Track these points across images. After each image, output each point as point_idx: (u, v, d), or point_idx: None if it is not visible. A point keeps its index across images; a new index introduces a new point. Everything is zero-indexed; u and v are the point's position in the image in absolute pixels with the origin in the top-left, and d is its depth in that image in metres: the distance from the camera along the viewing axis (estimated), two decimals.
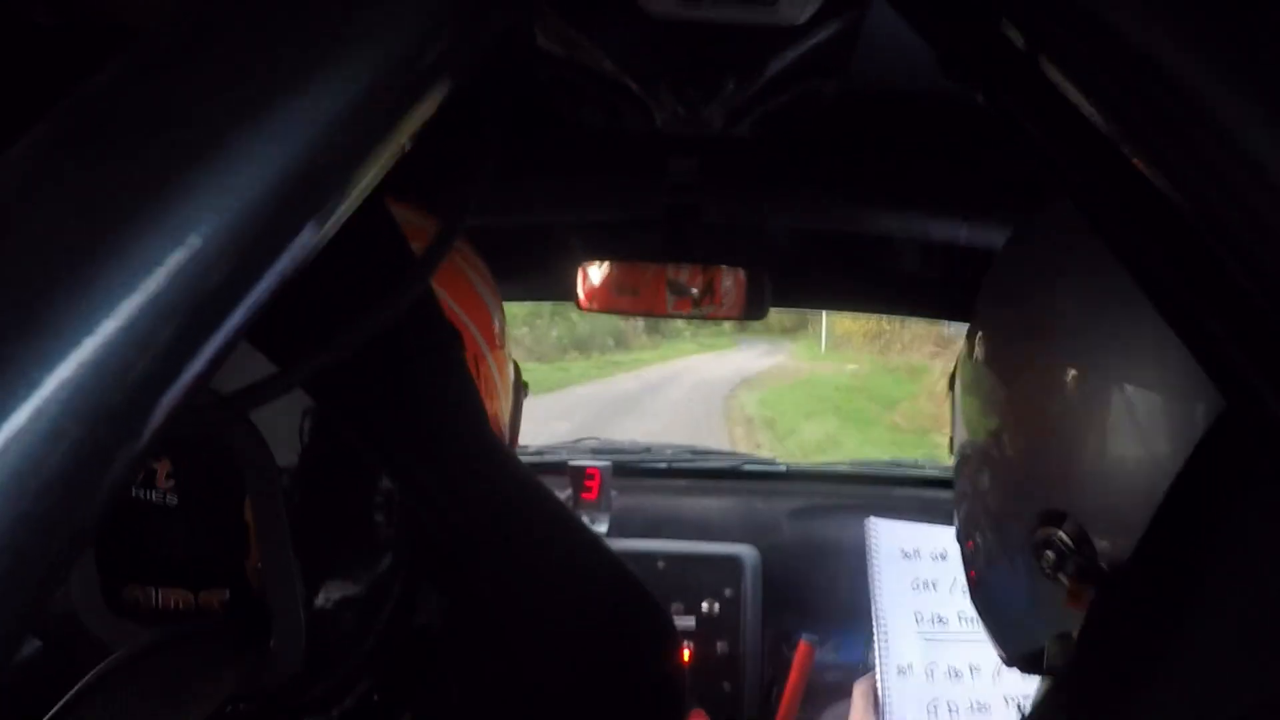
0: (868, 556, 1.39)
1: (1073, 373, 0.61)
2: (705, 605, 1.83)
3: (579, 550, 0.80)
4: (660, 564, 1.83)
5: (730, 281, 1.26)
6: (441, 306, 0.78)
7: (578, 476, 1.80)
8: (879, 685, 1.30)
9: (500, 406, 0.89)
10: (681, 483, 2.11)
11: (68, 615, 0.68)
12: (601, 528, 1.78)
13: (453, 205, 0.50)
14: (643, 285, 1.28)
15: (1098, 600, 0.58)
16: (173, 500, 0.68)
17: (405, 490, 0.74)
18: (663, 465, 2.17)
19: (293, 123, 0.29)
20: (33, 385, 0.24)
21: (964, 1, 0.41)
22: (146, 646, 0.65)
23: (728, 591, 1.84)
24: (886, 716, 1.27)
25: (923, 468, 2.24)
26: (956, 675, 1.30)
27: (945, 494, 2.02)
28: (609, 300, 1.30)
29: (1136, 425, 0.58)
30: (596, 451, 2.19)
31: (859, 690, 1.32)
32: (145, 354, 0.25)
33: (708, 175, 1.04)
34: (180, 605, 0.70)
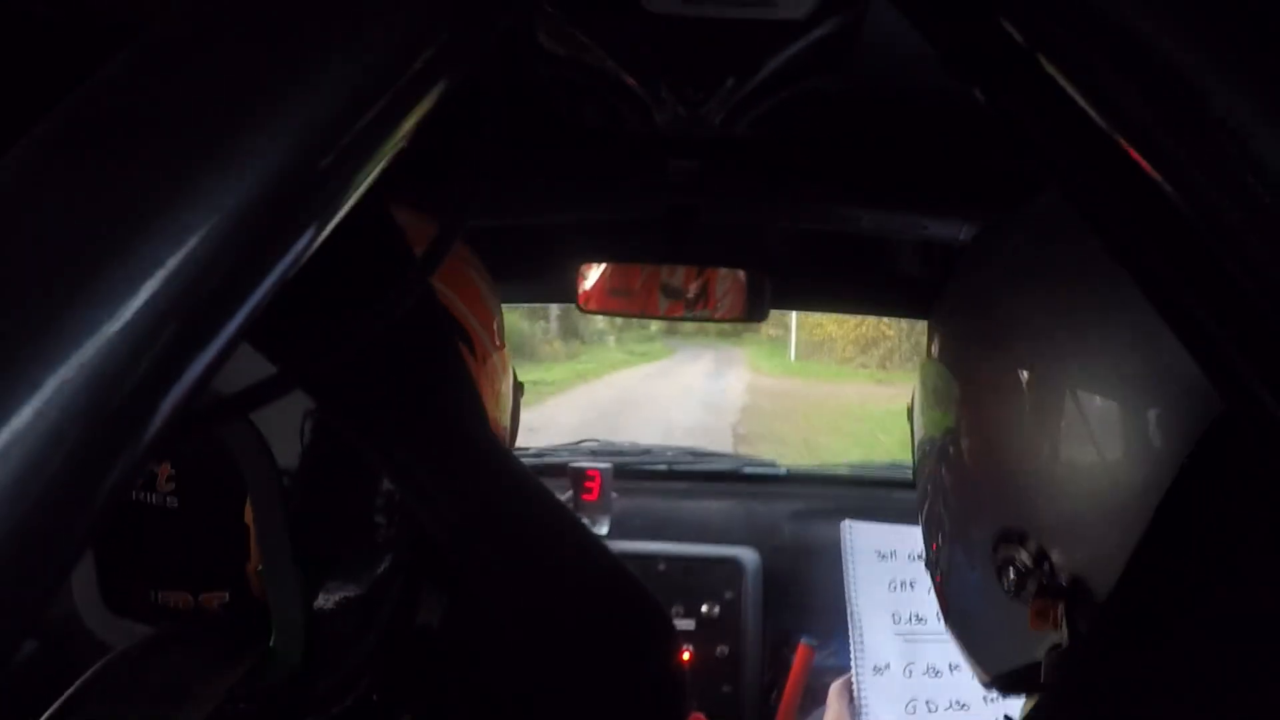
0: (843, 558, 1.39)
1: (1028, 385, 0.60)
2: (705, 607, 1.83)
3: (579, 551, 0.80)
4: (660, 566, 1.83)
5: (728, 283, 1.26)
6: (446, 307, 0.78)
7: (578, 478, 1.80)
8: (854, 685, 1.30)
9: (501, 407, 0.89)
10: (682, 485, 2.11)
11: (67, 615, 0.68)
12: (602, 529, 1.78)
13: (453, 205, 0.50)
14: (639, 286, 1.28)
15: (1094, 612, 0.58)
16: (173, 503, 0.68)
17: (405, 491, 0.74)
18: (663, 467, 2.17)
19: (291, 122, 0.29)
20: (34, 387, 0.24)
21: None
22: (145, 644, 0.65)
23: (728, 594, 1.84)
24: (863, 716, 1.28)
25: None
26: (936, 673, 1.30)
27: None
28: (605, 301, 1.30)
29: (1091, 438, 0.58)
30: (597, 453, 2.19)
31: (834, 691, 1.33)
32: (146, 356, 0.25)
33: (708, 176, 1.04)
34: (180, 607, 0.70)
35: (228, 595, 0.69)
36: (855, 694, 1.30)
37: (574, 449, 2.25)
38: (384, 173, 0.33)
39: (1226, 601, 0.50)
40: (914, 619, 1.35)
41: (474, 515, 0.73)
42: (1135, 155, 0.33)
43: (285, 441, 0.69)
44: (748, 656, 1.82)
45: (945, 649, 1.30)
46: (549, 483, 0.82)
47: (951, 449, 0.67)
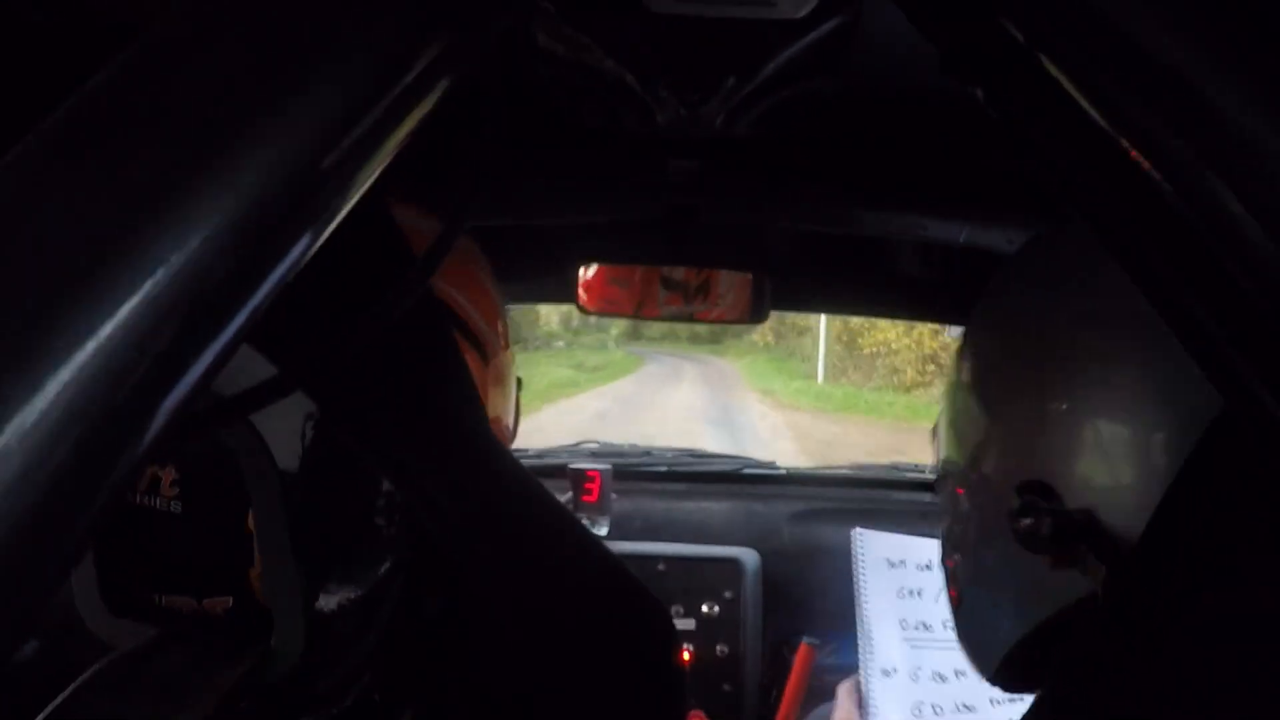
0: (854, 564, 1.41)
1: (1058, 399, 0.62)
2: (705, 607, 1.83)
3: (579, 551, 0.80)
4: (660, 566, 1.83)
5: (732, 281, 1.26)
6: (454, 308, 0.78)
7: (578, 479, 1.80)
8: (863, 686, 1.31)
9: (505, 408, 0.89)
10: (681, 486, 2.11)
11: (68, 616, 0.68)
12: (601, 530, 1.78)
13: (454, 206, 0.50)
14: (638, 279, 1.28)
15: (1107, 589, 0.58)
16: (178, 508, 0.68)
17: (405, 491, 0.74)
18: (662, 468, 2.17)
19: (293, 123, 0.29)
20: (35, 388, 0.24)
21: None
22: (146, 644, 0.65)
23: (728, 594, 1.84)
24: (871, 716, 1.29)
25: (922, 471, 2.24)
26: (942, 679, 1.32)
27: None
28: (605, 297, 1.30)
29: (1113, 412, 0.59)
30: (596, 454, 2.19)
31: (843, 690, 1.33)
32: (146, 357, 0.25)
33: (708, 176, 1.04)
34: (184, 612, 0.70)
35: (231, 601, 0.69)
36: (863, 695, 1.31)
37: (574, 450, 2.25)
38: (385, 173, 0.33)
39: (1224, 600, 0.50)
40: (921, 626, 1.37)
41: (474, 515, 0.73)
42: (1136, 155, 0.33)
43: (286, 442, 0.69)
44: (748, 656, 1.82)
45: (951, 656, 1.32)
46: (549, 484, 0.82)
47: (982, 457, 0.68)
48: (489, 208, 1.12)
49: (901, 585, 1.40)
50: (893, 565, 1.42)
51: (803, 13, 0.55)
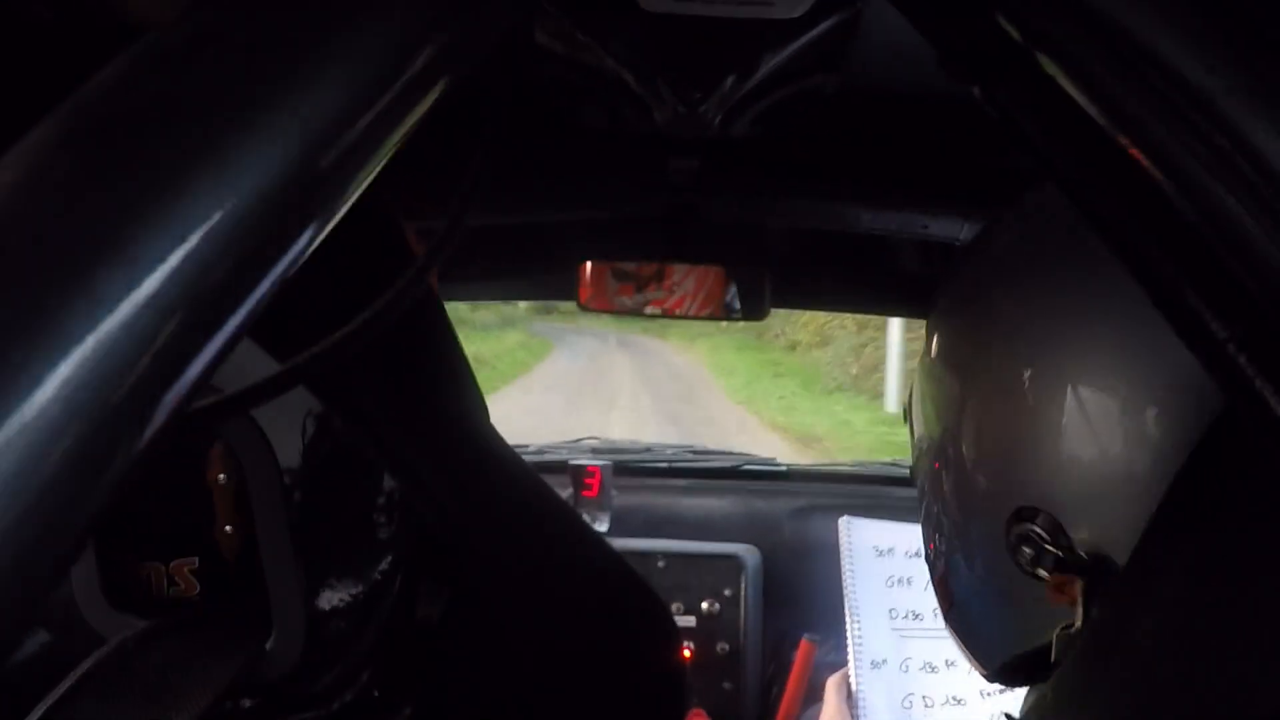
0: (841, 554, 1.39)
1: (1030, 369, 0.61)
2: (705, 604, 1.83)
3: (580, 547, 0.80)
4: (660, 563, 1.83)
5: (683, 270, 1.25)
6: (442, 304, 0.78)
7: (578, 475, 1.80)
8: (852, 680, 1.30)
9: None
10: (682, 482, 2.11)
11: (68, 609, 0.69)
12: (602, 526, 1.78)
13: (454, 204, 0.50)
14: (591, 278, 1.28)
15: (1099, 596, 0.58)
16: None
17: (406, 487, 0.74)
18: (663, 465, 2.17)
19: (291, 120, 0.29)
20: (34, 384, 0.24)
21: None
22: (138, 637, 0.65)
23: (728, 591, 1.84)
24: (860, 711, 1.28)
25: None
26: (932, 669, 1.30)
27: None
28: (604, 300, 1.30)
29: (1099, 419, 0.58)
30: (597, 450, 2.19)
31: (832, 685, 1.32)
32: (146, 352, 0.25)
33: (707, 175, 1.04)
34: (156, 582, 0.70)
35: (197, 561, 0.69)
36: (853, 688, 1.30)
37: (574, 446, 2.25)
38: (385, 171, 0.33)
39: (1224, 599, 0.50)
40: (910, 615, 1.35)
41: (475, 512, 0.73)
42: (1133, 152, 0.33)
43: (287, 439, 0.70)
44: (748, 653, 1.82)
45: (941, 645, 1.30)
46: (549, 480, 0.82)
47: (956, 441, 0.67)
48: (489, 206, 1.12)
49: (890, 574, 1.39)
50: (880, 554, 1.40)
51: (800, 12, 0.55)
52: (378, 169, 0.33)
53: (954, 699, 1.29)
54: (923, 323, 0.78)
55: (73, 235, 0.25)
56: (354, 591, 0.74)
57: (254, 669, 0.68)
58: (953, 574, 0.71)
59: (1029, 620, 0.62)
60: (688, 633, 1.80)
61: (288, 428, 0.70)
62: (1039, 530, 0.59)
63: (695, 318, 1.34)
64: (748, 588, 1.84)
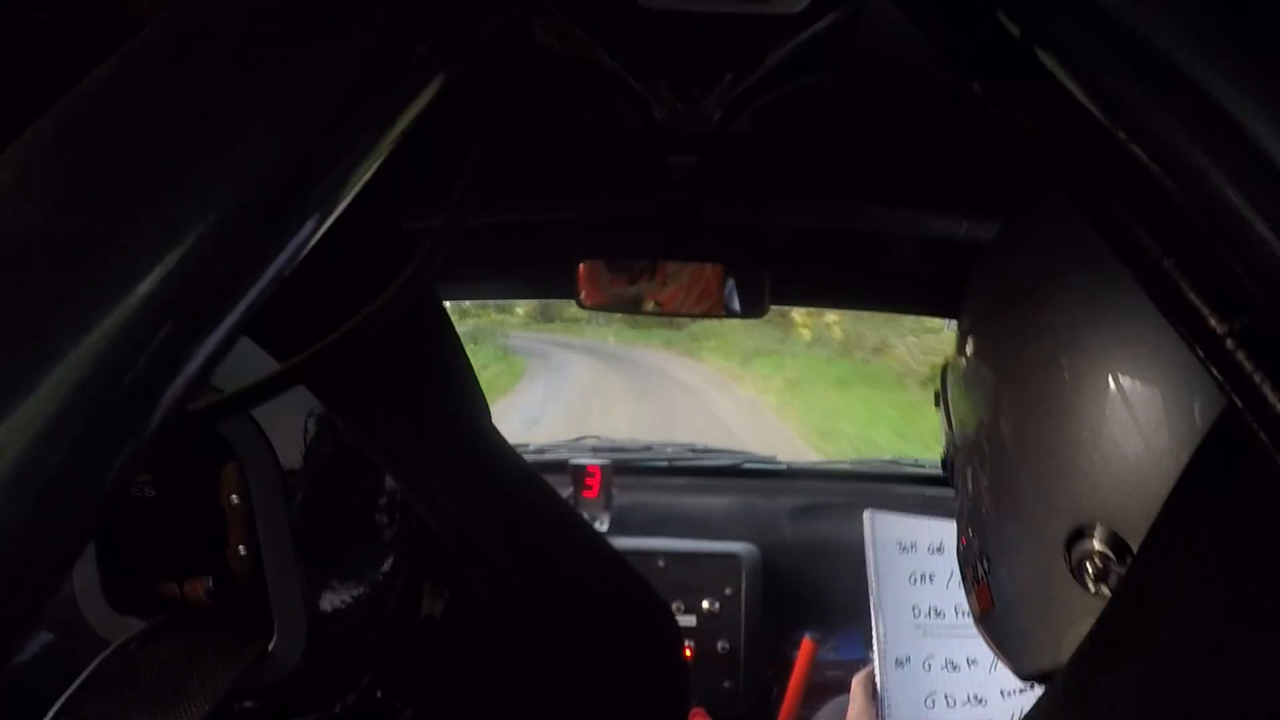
0: (866, 549, 1.38)
1: (1080, 381, 0.60)
2: (706, 603, 1.83)
3: (580, 547, 0.80)
4: (661, 562, 1.83)
5: (676, 265, 1.25)
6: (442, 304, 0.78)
7: (578, 474, 1.80)
8: (878, 678, 1.30)
9: None
10: (682, 481, 2.11)
11: (69, 613, 0.69)
12: (602, 525, 1.78)
13: (453, 203, 0.50)
14: (586, 273, 1.28)
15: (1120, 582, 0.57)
16: (150, 493, 0.68)
17: (407, 488, 0.74)
18: (663, 463, 2.17)
19: (288, 116, 0.29)
20: (32, 385, 0.24)
21: None
22: (143, 636, 0.65)
23: (728, 590, 1.84)
24: (885, 708, 1.27)
25: (922, 465, 2.24)
26: (954, 668, 1.29)
27: (945, 491, 2.02)
28: (606, 299, 1.30)
29: (1149, 424, 0.58)
30: (597, 450, 2.19)
31: (858, 682, 1.32)
32: (144, 351, 0.25)
33: (707, 172, 1.04)
34: (168, 596, 0.70)
35: (210, 581, 0.70)
36: (879, 687, 1.29)
37: (574, 445, 2.25)
38: (384, 169, 0.33)
39: (1234, 592, 0.50)
40: (932, 613, 1.34)
41: (476, 512, 0.73)
42: (1133, 147, 0.33)
43: (289, 440, 0.70)
44: (749, 652, 1.82)
45: (962, 644, 1.30)
46: (549, 479, 0.82)
47: (1000, 448, 0.66)
48: (488, 204, 1.12)
49: (913, 570, 1.37)
50: (904, 549, 1.38)
51: (800, 8, 0.55)
52: (375, 167, 0.33)
53: (975, 698, 1.28)
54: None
55: (68, 235, 0.25)
56: (356, 593, 0.74)
57: (256, 671, 0.68)
58: (995, 581, 0.70)
59: (1079, 631, 0.62)
60: (688, 632, 1.80)
61: (289, 428, 0.70)
62: (1102, 548, 0.59)
63: (691, 314, 1.34)
64: (748, 586, 1.84)
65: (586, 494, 1.80)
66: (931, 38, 0.44)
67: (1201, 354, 0.38)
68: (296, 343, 0.54)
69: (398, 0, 0.32)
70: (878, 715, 1.27)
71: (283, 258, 0.29)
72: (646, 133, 0.84)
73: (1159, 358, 0.57)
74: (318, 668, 0.72)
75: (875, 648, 1.31)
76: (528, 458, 2.03)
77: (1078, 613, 0.61)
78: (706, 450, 2.35)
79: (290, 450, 0.69)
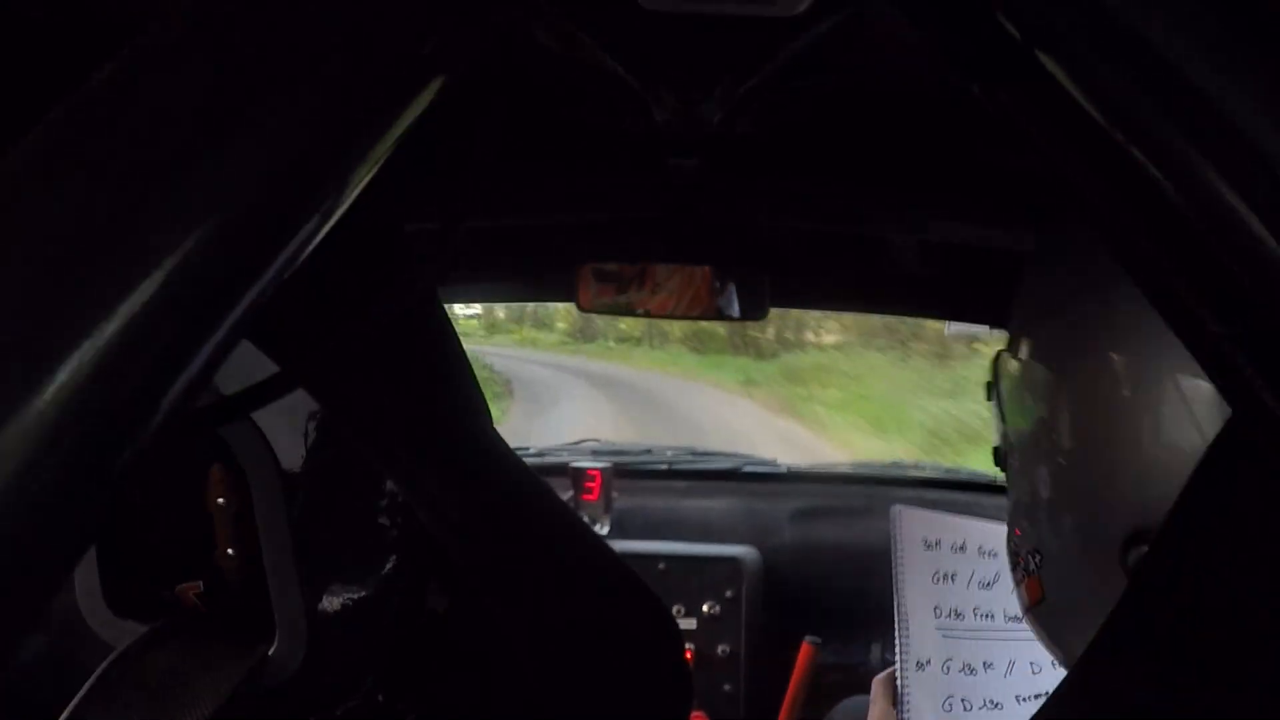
0: (893, 545, 1.34)
1: (1141, 385, 0.60)
2: (706, 606, 1.83)
3: (581, 550, 0.80)
4: (661, 565, 1.83)
5: (667, 271, 1.25)
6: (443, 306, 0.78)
7: (578, 478, 1.80)
8: (899, 680, 1.28)
9: None
10: (682, 484, 2.11)
11: (69, 615, 0.69)
12: (602, 529, 1.78)
13: (453, 205, 0.50)
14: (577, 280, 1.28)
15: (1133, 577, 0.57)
16: (137, 498, 0.68)
17: (408, 491, 0.74)
18: (663, 467, 2.17)
19: (287, 119, 0.29)
20: (32, 386, 0.24)
21: None
22: (144, 641, 0.65)
23: (729, 593, 1.84)
24: (905, 711, 1.26)
25: (923, 469, 2.24)
26: (971, 671, 1.28)
27: (946, 495, 2.04)
28: (603, 302, 1.30)
29: (1210, 424, 0.57)
30: (597, 453, 2.19)
31: (879, 685, 1.30)
32: (144, 354, 0.25)
33: (707, 175, 1.04)
34: (166, 600, 0.70)
35: (201, 585, 0.70)
36: (899, 689, 1.28)
37: (574, 449, 2.25)
38: (384, 171, 0.33)
39: (1248, 588, 0.50)
40: (953, 614, 1.32)
41: (477, 515, 0.73)
42: (1133, 150, 0.33)
43: (288, 442, 0.70)
44: (749, 655, 1.82)
45: (979, 646, 1.29)
46: (550, 483, 0.82)
47: (1060, 446, 0.67)
48: (488, 207, 1.12)
49: (936, 569, 1.34)
50: (929, 547, 1.36)
51: (800, 10, 0.55)
52: (375, 166, 0.33)
53: (991, 702, 1.27)
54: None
55: (69, 237, 0.25)
56: (357, 596, 0.74)
57: (257, 674, 0.68)
58: (1047, 575, 0.70)
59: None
60: (689, 635, 1.80)
61: (289, 430, 0.70)
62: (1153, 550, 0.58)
63: (690, 317, 1.33)
64: (748, 590, 1.84)
65: (586, 497, 1.80)
66: (931, 40, 0.44)
67: (1199, 356, 0.38)
68: (297, 345, 0.54)
69: (398, 3, 0.32)
70: (898, 718, 1.25)
71: (283, 260, 0.29)
72: (647, 135, 0.84)
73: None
74: (319, 671, 0.72)
75: (897, 649, 1.29)
76: (528, 461, 2.03)
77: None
78: (707, 453, 2.35)
79: (290, 453, 0.69)
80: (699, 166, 1.01)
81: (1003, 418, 0.76)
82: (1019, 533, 0.74)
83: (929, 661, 1.28)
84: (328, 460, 0.73)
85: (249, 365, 0.55)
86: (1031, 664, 1.28)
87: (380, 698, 0.79)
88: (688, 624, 1.81)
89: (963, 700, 1.27)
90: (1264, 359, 0.34)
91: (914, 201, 1.13)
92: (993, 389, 0.78)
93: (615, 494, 1.84)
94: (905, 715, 1.25)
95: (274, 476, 0.67)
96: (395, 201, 0.71)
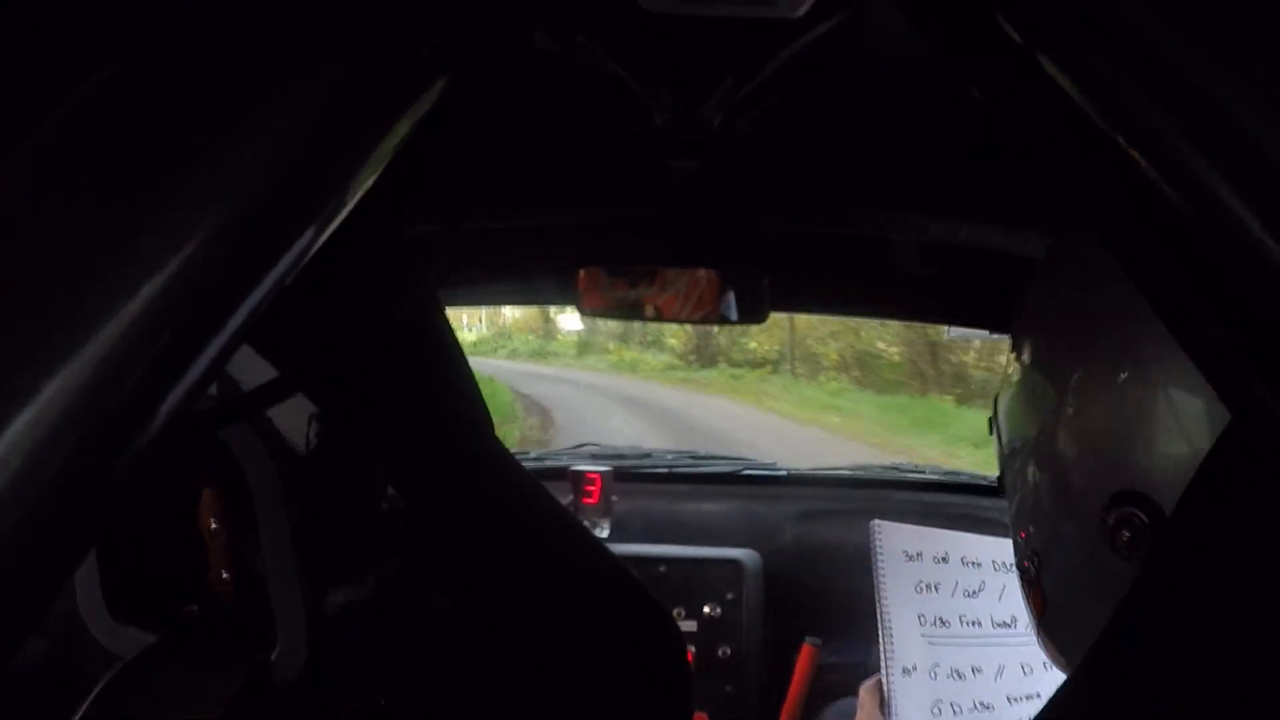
0: (873, 558, 1.39)
1: (1123, 371, 0.61)
2: (707, 609, 1.83)
3: (581, 554, 0.80)
4: (662, 568, 1.83)
5: (675, 271, 1.25)
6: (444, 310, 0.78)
7: (578, 481, 1.80)
8: (885, 686, 1.30)
9: None
10: (682, 487, 2.11)
11: (70, 620, 0.69)
12: (603, 532, 1.78)
13: (453, 208, 0.50)
14: (585, 279, 1.28)
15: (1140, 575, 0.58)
16: (133, 520, 0.68)
17: (409, 495, 0.74)
18: (663, 470, 2.17)
19: (286, 122, 0.29)
20: (32, 391, 0.24)
21: None
22: (146, 653, 0.65)
23: (729, 595, 1.84)
24: (892, 716, 1.28)
25: (923, 471, 2.24)
26: (959, 676, 1.30)
27: (946, 498, 2.04)
28: (605, 304, 1.30)
29: (1184, 410, 0.59)
30: (597, 456, 2.19)
31: (865, 690, 1.32)
32: (144, 359, 0.25)
33: (707, 177, 1.04)
34: (184, 618, 0.70)
35: (196, 608, 0.70)
36: (885, 694, 1.30)
37: (574, 453, 2.25)
38: (384, 175, 0.33)
39: (1253, 586, 0.50)
40: (938, 622, 1.35)
41: (477, 518, 0.73)
42: (1133, 153, 0.33)
43: (289, 445, 0.69)
44: (750, 657, 1.82)
45: (967, 652, 1.31)
46: (549, 486, 0.82)
47: (1052, 440, 0.68)
48: (488, 209, 1.12)
49: (919, 579, 1.38)
50: (910, 558, 1.40)
51: (801, 12, 0.55)
52: (376, 170, 0.33)
53: (981, 704, 1.29)
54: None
55: (69, 240, 0.25)
56: (360, 599, 0.74)
57: (260, 679, 0.68)
58: (1045, 570, 0.71)
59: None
60: (689, 637, 1.81)
61: (290, 433, 0.70)
62: (1138, 512, 0.60)
63: (691, 321, 1.34)
64: (749, 592, 1.84)
65: (586, 500, 1.80)
66: (932, 41, 0.44)
67: (1197, 358, 0.38)
68: (297, 349, 0.54)
69: (398, 4, 0.32)
70: None
71: (283, 264, 0.29)
72: (647, 137, 0.84)
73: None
74: (321, 674, 0.72)
75: (882, 656, 1.32)
76: (528, 465, 2.04)
77: (1118, 593, 0.62)
78: (707, 457, 2.35)
79: (291, 456, 0.69)
80: (699, 168, 1.01)
81: (1001, 441, 0.77)
82: (1023, 536, 0.74)
83: (915, 667, 1.31)
84: (328, 464, 0.73)
85: (249, 366, 0.55)
86: (1023, 665, 1.31)
87: (382, 701, 0.79)
88: (689, 626, 1.81)
89: (952, 704, 1.29)
90: (1264, 359, 0.34)
91: (915, 204, 1.13)
92: (993, 424, 0.80)
93: (615, 497, 1.85)
94: (892, 719, 1.27)
95: (274, 480, 0.67)
96: (396, 205, 0.71)
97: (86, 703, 0.60)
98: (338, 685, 0.76)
